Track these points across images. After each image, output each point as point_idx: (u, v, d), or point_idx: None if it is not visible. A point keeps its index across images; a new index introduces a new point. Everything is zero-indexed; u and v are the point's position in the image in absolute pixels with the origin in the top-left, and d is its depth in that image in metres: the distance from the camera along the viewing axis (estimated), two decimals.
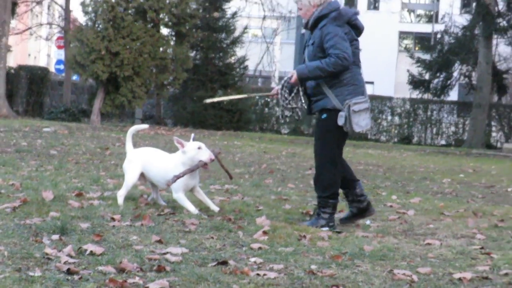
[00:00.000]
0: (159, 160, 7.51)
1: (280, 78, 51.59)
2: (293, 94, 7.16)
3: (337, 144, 7.04)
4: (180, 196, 7.31)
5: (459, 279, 4.95)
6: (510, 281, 5.03)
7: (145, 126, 8.76)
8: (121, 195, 7.47)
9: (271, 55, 44.77)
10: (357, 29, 7.01)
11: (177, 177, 7.10)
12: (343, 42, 6.78)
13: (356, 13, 7.09)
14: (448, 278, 4.99)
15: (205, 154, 7.21)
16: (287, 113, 7.31)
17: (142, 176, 7.63)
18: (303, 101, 7.22)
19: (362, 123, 6.83)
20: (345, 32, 6.85)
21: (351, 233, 6.64)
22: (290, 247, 5.76)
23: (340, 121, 6.76)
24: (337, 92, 6.83)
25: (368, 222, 7.36)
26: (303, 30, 53.58)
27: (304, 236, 6.23)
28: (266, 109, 33.67)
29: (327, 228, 6.77)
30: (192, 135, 7.56)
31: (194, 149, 7.21)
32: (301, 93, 7.19)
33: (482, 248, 6.18)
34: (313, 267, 5.08)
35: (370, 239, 6.36)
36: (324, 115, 6.94)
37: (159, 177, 7.43)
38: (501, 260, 5.67)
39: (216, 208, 7.36)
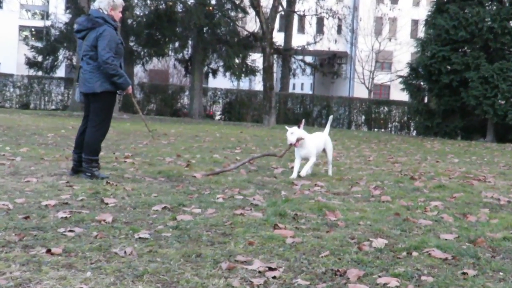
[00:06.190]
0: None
1: None
2: None
3: None
4: None
5: (46, 205, 4.76)
6: (83, 204, 4.97)
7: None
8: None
9: None
10: None
11: None
12: None
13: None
14: (37, 205, 4.77)
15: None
16: None
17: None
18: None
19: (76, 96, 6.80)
20: None
21: None
22: None
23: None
24: None
25: None
26: None
27: None
28: None
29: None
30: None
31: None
32: None
33: (68, 182, 6.05)
34: None
35: None
36: None
37: None
38: (80, 190, 5.60)
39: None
